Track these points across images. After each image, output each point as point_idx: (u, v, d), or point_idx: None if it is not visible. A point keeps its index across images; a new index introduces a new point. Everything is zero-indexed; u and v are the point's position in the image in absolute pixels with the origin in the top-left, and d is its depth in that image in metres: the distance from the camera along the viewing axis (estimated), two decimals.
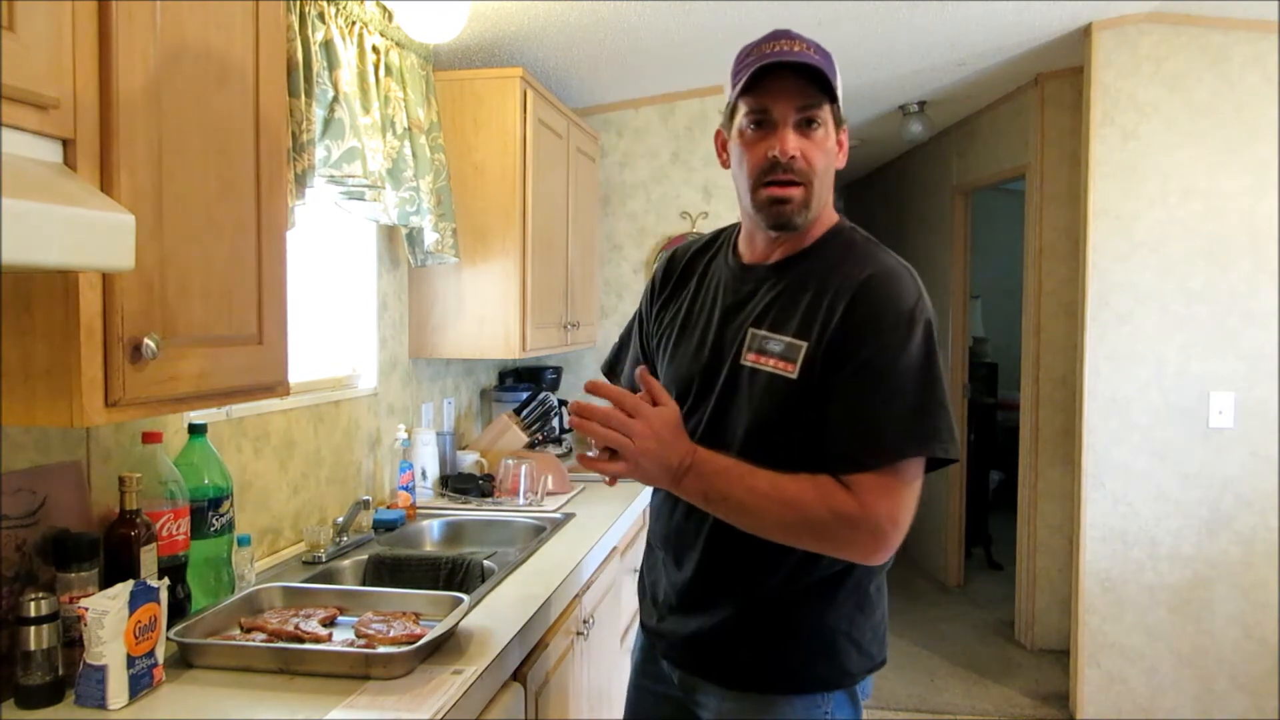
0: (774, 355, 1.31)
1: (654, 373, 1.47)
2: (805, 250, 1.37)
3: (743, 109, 1.32)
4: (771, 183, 1.31)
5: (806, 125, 1.31)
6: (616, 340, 1.71)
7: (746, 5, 2.84)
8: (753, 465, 1.26)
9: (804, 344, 1.29)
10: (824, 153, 1.32)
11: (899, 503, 1.24)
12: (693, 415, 1.39)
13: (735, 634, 1.38)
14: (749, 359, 1.34)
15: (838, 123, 1.35)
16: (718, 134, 1.44)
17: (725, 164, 1.42)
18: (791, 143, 1.29)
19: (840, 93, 1.34)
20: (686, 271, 1.53)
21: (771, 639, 1.37)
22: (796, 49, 1.30)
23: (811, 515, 1.24)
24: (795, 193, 1.31)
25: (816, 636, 1.36)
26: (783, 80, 1.29)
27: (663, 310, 1.54)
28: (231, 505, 1.73)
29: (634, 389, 1.39)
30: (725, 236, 1.52)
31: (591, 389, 1.31)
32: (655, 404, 1.28)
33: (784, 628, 1.36)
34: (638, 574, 1.62)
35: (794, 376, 1.29)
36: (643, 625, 1.57)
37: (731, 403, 1.36)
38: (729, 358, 1.37)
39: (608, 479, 1.30)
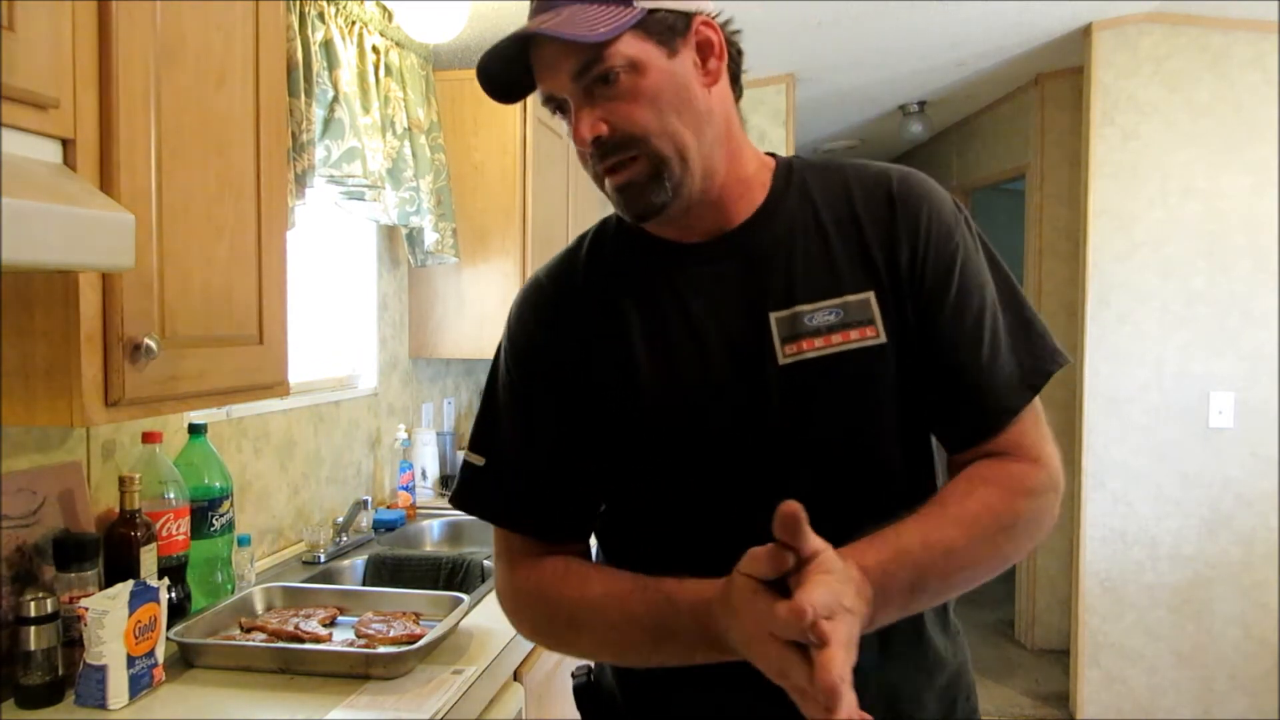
0: (835, 327, 0.93)
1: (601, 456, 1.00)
2: (770, 200, 1.00)
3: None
4: (601, 171, 0.94)
5: (603, 83, 0.90)
6: (473, 472, 1.06)
7: (746, 5, 2.84)
8: (894, 522, 0.87)
9: (869, 293, 0.94)
10: (649, 100, 0.91)
11: (1051, 436, 0.98)
12: (736, 478, 0.94)
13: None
14: (792, 352, 0.93)
15: (669, 37, 0.92)
16: None
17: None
18: (585, 122, 0.91)
19: None
20: (593, 297, 1.01)
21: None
22: (546, 12, 0.91)
23: (1013, 520, 0.91)
24: (632, 171, 0.92)
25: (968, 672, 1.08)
26: (541, 49, 0.93)
27: (584, 366, 0.99)
28: (231, 505, 1.73)
29: (567, 524, 1.02)
30: (602, 239, 1.06)
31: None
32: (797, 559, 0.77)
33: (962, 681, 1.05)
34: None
35: (883, 340, 0.93)
36: None
37: (796, 428, 0.93)
38: (757, 367, 0.93)
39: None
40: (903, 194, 0.97)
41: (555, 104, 0.95)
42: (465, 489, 1.07)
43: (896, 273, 0.95)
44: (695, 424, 0.95)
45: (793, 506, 0.73)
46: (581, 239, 1.07)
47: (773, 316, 0.94)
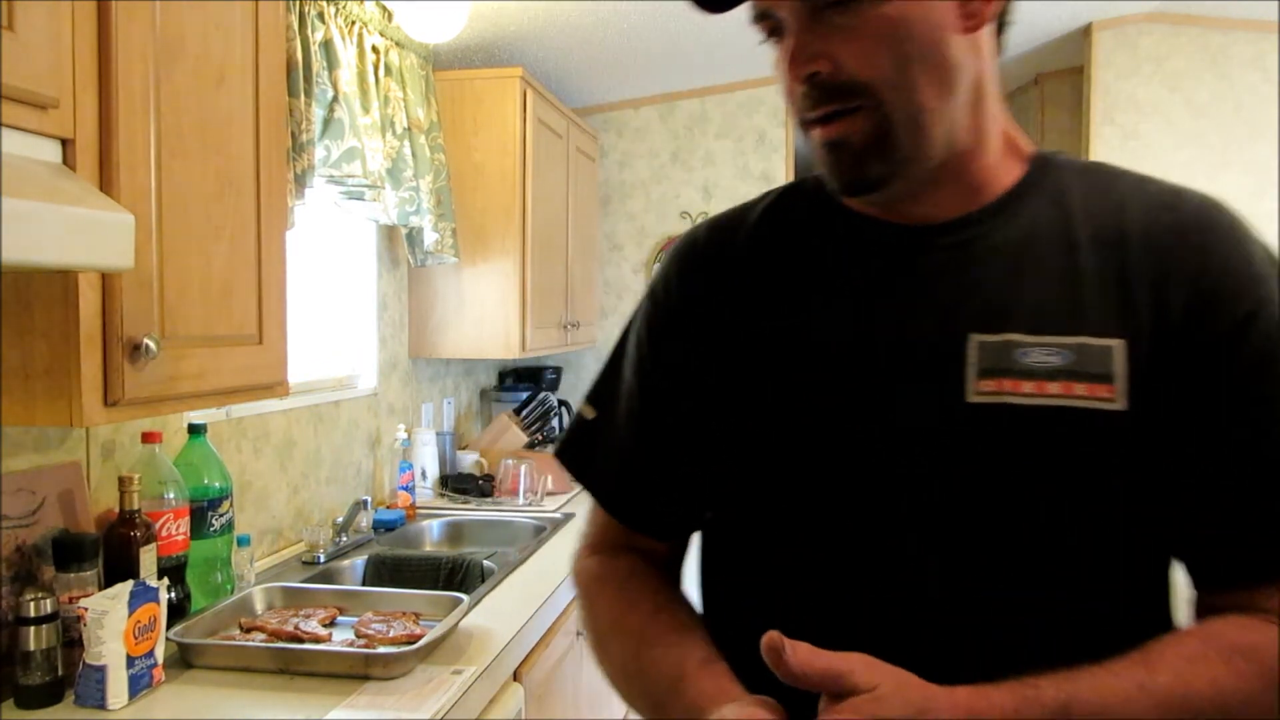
0: (1058, 373, 0.70)
1: (737, 461, 0.80)
2: (1011, 193, 0.77)
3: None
4: (812, 120, 0.73)
5: (836, 7, 0.69)
6: (582, 425, 0.91)
7: (746, 5, 2.84)
8: (1066, 668, 0.64)
9: (1117, 341, 0.70)
10: (890, 39, 0.70)
11: None
12: (872, 531, 0.73)
13: None
14: (988, 390, 0.70)
15: None
16: None
17: None
18: (802, 54, 0.71)
19: None
20: (756, 265, 0.83)
21: None
22: None
23: (1268, 717, 0.66)
24: (851, 126, 0.71)
25: None
26: None
27: (714, 343, 0.82)
28: (231, 505, 1.73)
29: (672, 521, 0.88)
30: (790, 200, 0.86)
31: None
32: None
33: None
34: None
35: (1121, 406, 0.69)
36: None
37: (967, 490, 0.71)
38: (935, 399, 0.72)
39: None
40: (1196, 222, 0.73)
41: (769, 25, 0.74)
42: (568, 440, 0.93)
43: (1165, 322, 0.70)
44: (835, 452, 0.74)
45: (771, 639, 0.59)
46: (767, 194, 0.88)
47: (974, 339, 0.72)
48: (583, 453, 0.91)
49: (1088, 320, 0.71)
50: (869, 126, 0.71)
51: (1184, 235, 0.73)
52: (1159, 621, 0.74)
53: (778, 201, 0.86)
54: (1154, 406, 0.69)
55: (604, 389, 0.91)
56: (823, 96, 0.71)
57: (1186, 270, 0.71)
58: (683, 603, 0.84)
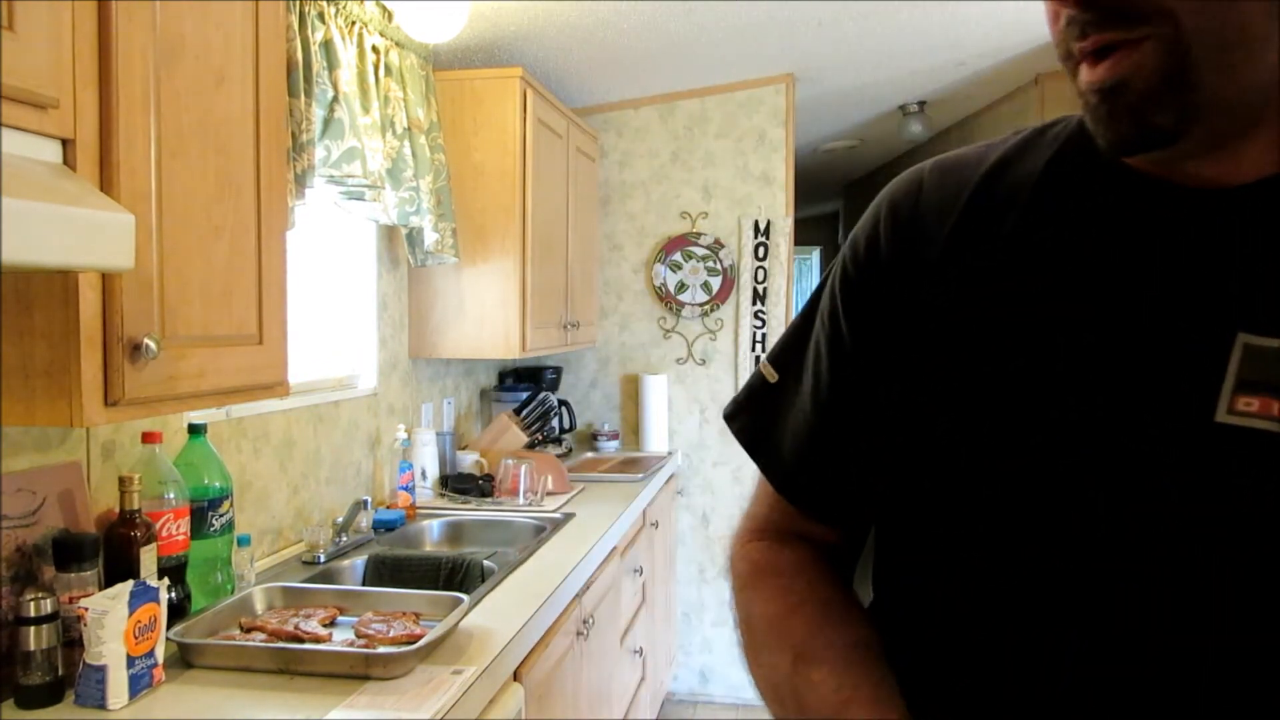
0: None
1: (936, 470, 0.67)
2: None
3: None
4: (1080, 55, 0.59)
5: None
6: (760, 387, 0.80)
7: (746, 5, 2.84)
8: None
9: None
10: None
11: None
12: (1081, 579, 0.59)
13: None
14: (1246, 409, 0.55)
15: None
16: None
17: None
18: None
19: None
20: (984, 216, 0.67)
21: None
22: None
23: None
24: (1131, 61, 0.55)
25: None
26: None
27: (922, 314, 0.68)
28: (231, 505, 1.73)
29: (834, 500, 0.76)
30: (1059, 139, 0.69)
31: None
32: None
33: None
34: None
35: None
36: None
37: (1198, 531, 0.56)
38: (1178, 414, 0.57)
39: None
40: None
41: None
42: (742, 403, 0.81)
43: None
44: (1044, 467, 0.60)
45: None
46: (1018, 131, 0.71)
47: (1242, 340, 0.56)
48: (758, 421, 0.78)
49: None
50: (1157, 62, 0.54)
51: None
52: None
53: (1025, 143, 0.69)
54: None
55: (791, 349, 0.77)
56: (1099, 20, 0.55)
57: None
58: (854, 611, 0.72)
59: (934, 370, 0.66)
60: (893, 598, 0.73)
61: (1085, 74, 0.57)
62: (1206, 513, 0.55)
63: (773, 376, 0.78)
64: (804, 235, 6.72)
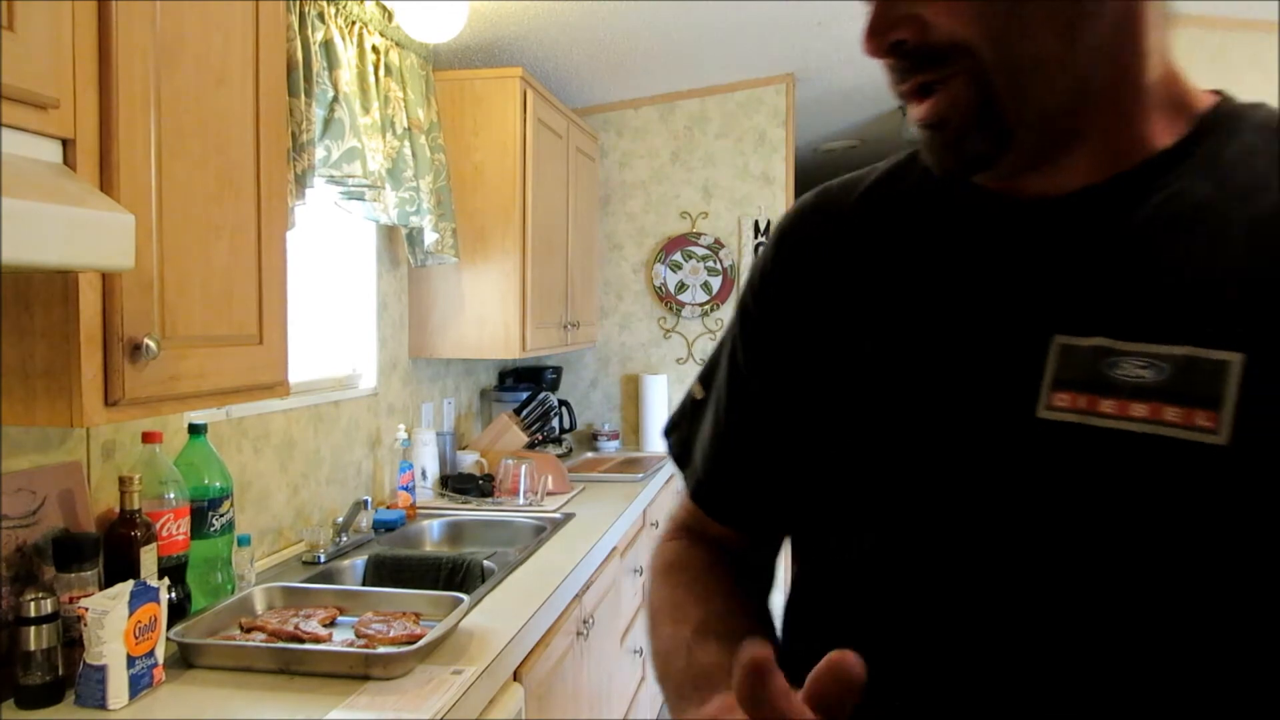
0: (1150, 391, 0.56)
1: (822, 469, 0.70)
2: (1150, 164, 0.61)
3: None
4: (904, 95, 0.63)
5: None
6: (688, 404, 0.86)
7: (746, 5, 2.84)
8: None
9: (1234, 356, 0.54)
10: None
11: None
12: (919, 555, 0.64)
13: None
14: (1063, 405, 0.58)
15: None
16: None
17: None
18: (879, 19, 0.60)
19: None
20: (859, 237, 0.73)
21: None
22: None
23: None
24: (947, 97, 0.60)
25: None
26: None
27: (811, 322, 0.73)
28: (231, 505, 1.73)
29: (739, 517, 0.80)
30: (914, 161, 0.74)
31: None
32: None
33: None
34: None
35: (1223, 440, 0.54)
36: None
37: (1032, 530, 0.59)
38: (1002, 412, 0.61)
39: None
40: None
41: None
42: (674, 419, 0.87)
43: None
44: (895, 466, 0.65)
45: (756, 657, 0.45)
46: (891, 158, 0.76)
47: (1058, 341, 0.59)
48: (683, 435, 0.84)
49: (1205, 326, 0.55)
50: (968, 95, 0.58)
51: None
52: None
53: (892, 170, 0.74)
54: (1272, 442, 0.52)
55: (712, 367, 0.83)
56: (911, 67, 0.60)
57: None
58: (751, 606, 0.76)
59: (812, 384, 0.71)
60: (797, 590, 0.76)
61: (912, 112, 0.62)
62: (1032, 499, 0.59)
63: (699, 394, 0.84)
64: None
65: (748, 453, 0.78)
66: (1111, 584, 0.56)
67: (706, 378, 0.83)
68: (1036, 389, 0.59)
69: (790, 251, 0.76)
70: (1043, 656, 0.58)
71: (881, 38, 0.60)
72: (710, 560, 0.80)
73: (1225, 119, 0.64)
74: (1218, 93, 0.66)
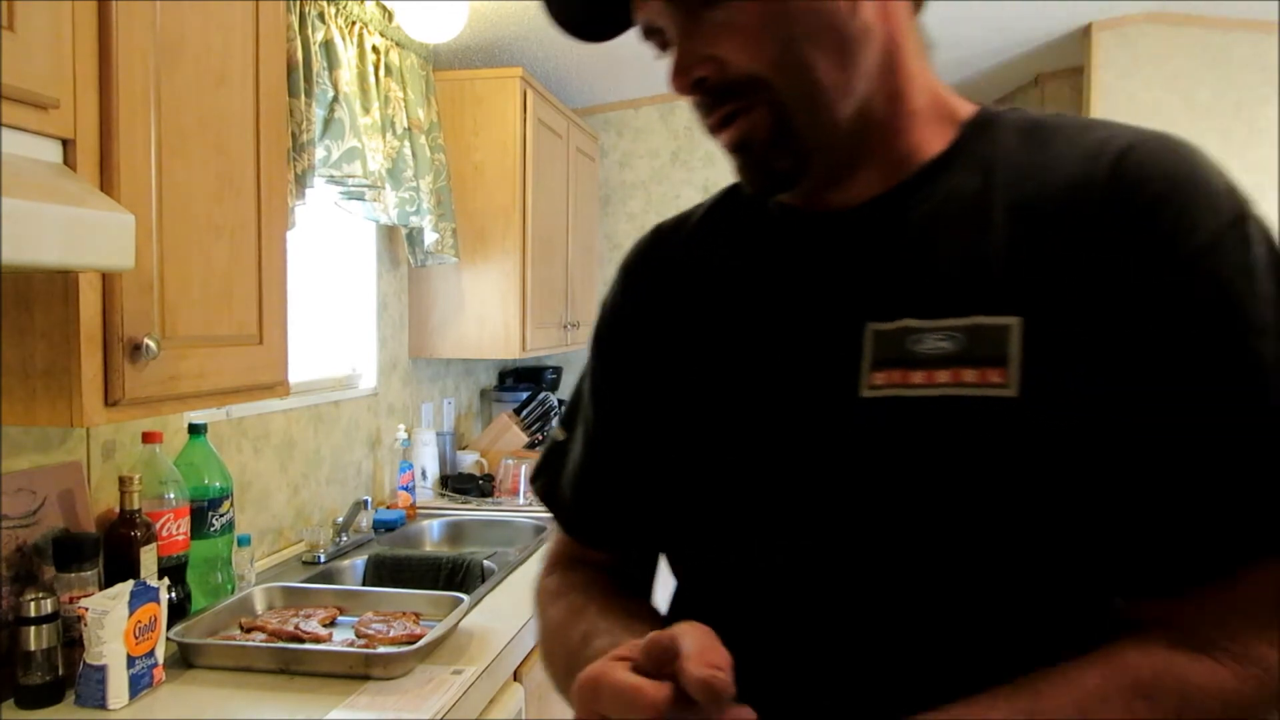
0: (948, 360, 0.63)
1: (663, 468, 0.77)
2: (931, 165, 0.70)
3: None
4: (713, 127, 0.71)
5: (708, 4, 0.66)
6: (551, 447, 0.90)
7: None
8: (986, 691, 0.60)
9: (1012, 319, 0.62)
10: (767, 24, 0.66)
11: None
12: (763, 536, 0.70)
13: None
14: (881, 383, 0.65)
15: None
16: None
17: None
18: (683, 61, 0.68)
19: None
20: (690, 265, 0.80)
21: None
22: None
23: None
24: (750, 124, 0.68)
25: None
26: None
27: (654, 348, 0.80)
28: (231, 505, 1.73)
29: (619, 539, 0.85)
30: (737, 193, 0.82)
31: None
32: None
33: None
34: None
35: (1013, 392, 0.61)
36: None
37: (866, 494, 0.66)
38: (828, 396, 0.68)
39: None
40: (1132, 170, 0.62)
41: (659, 40, 0.71)
42: (539, 464, 0.91)
43: (1075, 292, 0.61)
44: (739, 461, 0.71)
45: (658, 640, 0.53)
46: (723, 189, 0.84)
47: (870, 329, 0.66)
48: (550, 476, 0.88)
49: (986, 298, 0.63)
50: (767, 121, 0.67)
51: (1111, 188, 0.62)
52: (1082, 632, 0.62)
53: (718, 201, 0.83)
54: (1062, 394, 0.60)
55: (571, 408, 0.89)
56: (715, 100, 0.68)
57: (1115, 229, 0.61)
58: (633, 606, 0.79)
59: (662, 403, 0.77)
60: (678, 589, 0.82)
61: (723, 138, 0.70)
62: (865, 469, 0.66)
63: (561, 436, 0.89)
64: None
65: (611, 477, 0.83)
66: (935, 527, 0.63)
67: (568, 419, 0.88)
68: (858, 372, 0.66)
69: (633, 285, 0.84)
70: (879, 595, 0.65)
71: (686, 76, 0.67)
72: (590, 579, 0.84)
73: (985, 124, 0.72)
74: (978, 104, 0.75)
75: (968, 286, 0.64)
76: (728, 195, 0.83)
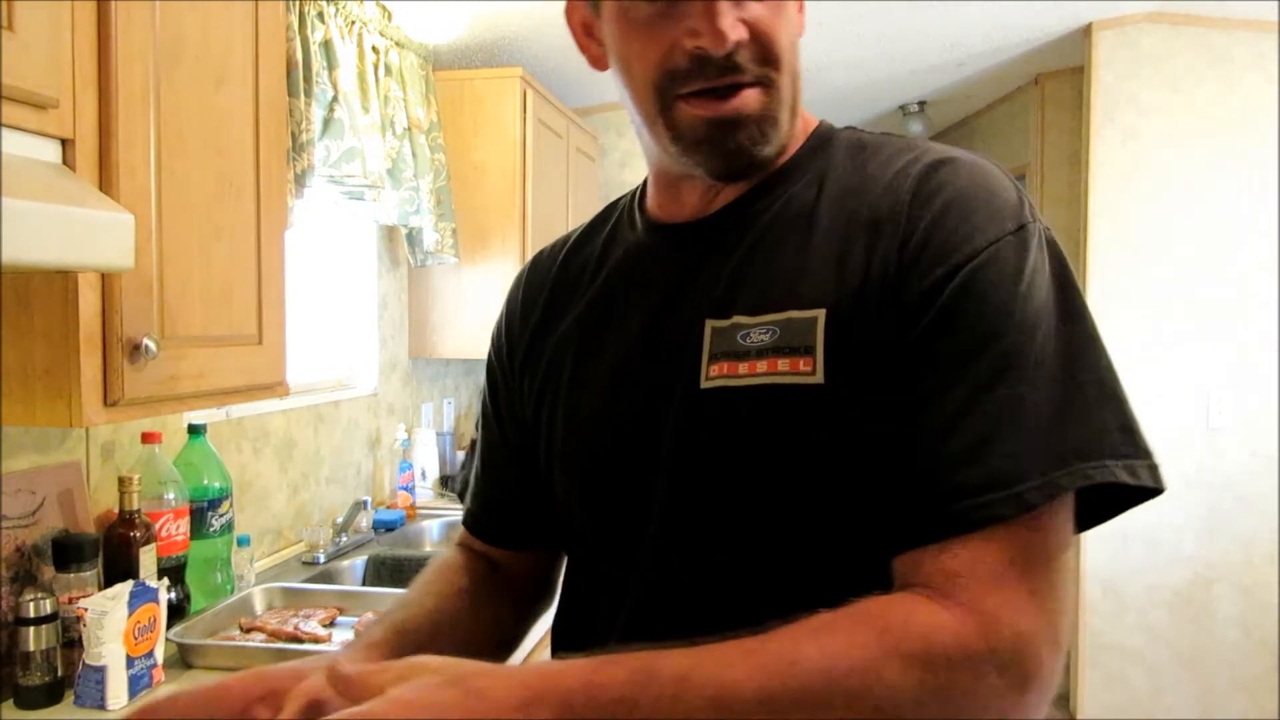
0: (767, 351, 0.70)
1: (537, 466, 0.88)
2: (774, 176, 0.77)
3: None
4: (700, 93, 0.71)
5: None
6: (465, 461, 1.02)
7: None
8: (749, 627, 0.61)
9: (818, 311, 0.69)
10: (788, 18, 0.73)
11: (1049, 588, 0.63)
12: (624, 520, 0.78)
13: None
14: (716, 375, 0.72)
15: None
16: (572, 8, 0.82)
17: (593, 60, 0.82)
18: (728, 16, 0.68)
19: None
20: (562, 283, 0.89)
21: None
22: None
23: (864, 692, 0.58)
24: (751, 100, 0.71)
25: None
26: None
27: (530, 363, 0.89)
28: (231, 505, 1.73)
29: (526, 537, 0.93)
30: (619, 208, 0.91)
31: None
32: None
33: None
34: None
35: (819, 379, 0.68)
36: None
37: (700, 474, 0.73)
38: (676, 388, 0.75)
39: None
40: (931, 185, 0.70)
41: None
42: (461, 475, 1.06)
43: (869, 286, 0.68)
44: (583, 449, 0.81)
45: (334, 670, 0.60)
46: (604, 210, 0.93)
47: (709, 325, 0.74)
48: (463, 481, 1.00)
49: (800, 295, 0.71)
50: (765, 103, 0.72)
51: (911, 196, 0.70)
52: (862, 582, 0.66)
53: (588, 225, 0.92)
54: (848, 375, 0.68)
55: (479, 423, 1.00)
56: (728, 70, 0.70)
57: (905, 229, 0.69)
58: (479, 600, 0.89)
59: (537, 407, 0.86)
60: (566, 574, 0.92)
61: (708, 109, 0.72)
62: (701, 453, 0.73)
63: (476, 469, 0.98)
64: None
65: (499, 481, 0.93)
66: (751, 500, 0.71)
67: (484, 454, 0.98)
68: (699, 366, 0.74)
69: (515, 307, 0.93)
70: (708, 558, 0.74)
71: (727, 36, 0.69)
72: (460, 564, 0.92)
73: (824, 139, 0.79)
74: (818, 119, 0.82)
75: (788, 286, 0.72)
76: (600, 216, 0.92)
